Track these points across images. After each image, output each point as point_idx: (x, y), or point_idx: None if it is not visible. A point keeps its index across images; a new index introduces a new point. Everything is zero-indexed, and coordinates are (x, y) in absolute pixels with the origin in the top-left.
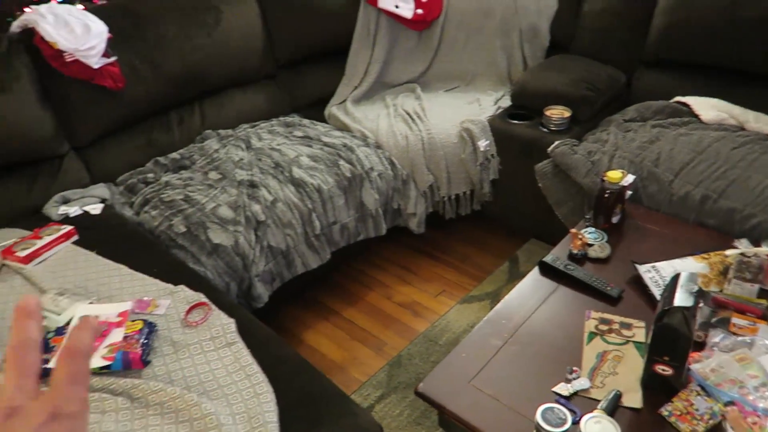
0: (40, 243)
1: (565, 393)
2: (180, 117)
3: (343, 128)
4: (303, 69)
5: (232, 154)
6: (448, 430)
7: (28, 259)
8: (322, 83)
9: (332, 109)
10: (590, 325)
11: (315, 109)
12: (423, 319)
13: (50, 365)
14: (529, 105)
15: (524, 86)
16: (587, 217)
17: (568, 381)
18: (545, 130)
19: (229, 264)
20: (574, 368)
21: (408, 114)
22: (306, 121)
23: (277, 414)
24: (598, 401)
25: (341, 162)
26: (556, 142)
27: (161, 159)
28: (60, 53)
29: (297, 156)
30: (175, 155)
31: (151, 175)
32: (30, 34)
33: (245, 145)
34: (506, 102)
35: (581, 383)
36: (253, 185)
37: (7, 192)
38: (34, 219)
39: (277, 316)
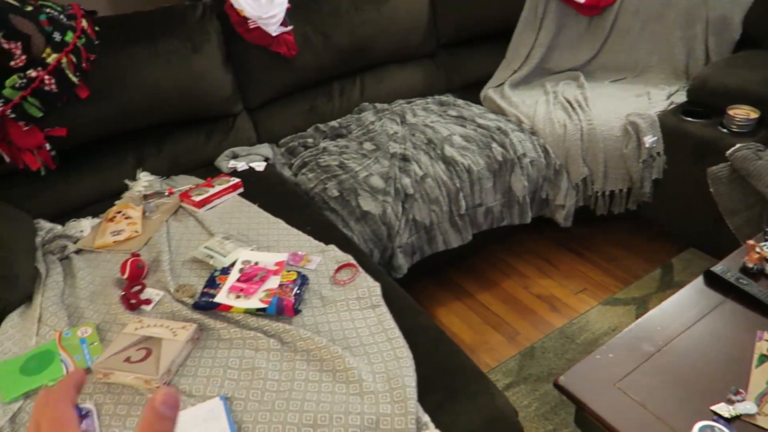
0: (211, 191)
1: (726, 414)
2: (341, 87)
3: (498, 111)
4: (463, 50)
5: (387, 128)
6: (584, 430)
7: (201, 204)
8: (480, 65)
9: (488, 91)
10: (762, 347)
11: (470, 90)
12: (560, 315)
13: (216, 299)
14: (709, 103)
15: (705, 81)
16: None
17: (731, 402)
18: (725, 131)
19: (375, 232)
20: (740, 390)
21: (569, 102)
22: (460, 102)
23: (415, 379)
24: (765, 430)
25: (494, 145)
26: (738, 145)
27: (321, 126)
28: (245, 20)
29: (450, 135)
30: (334, 123)
31: (310, 140)
32: (221, 1)
33: (400, 120)
34: (681, 98)
35: (746, 407)
36: (405, 159)
37: (188, 143)
38: (206, 169)
39: (412, 289)
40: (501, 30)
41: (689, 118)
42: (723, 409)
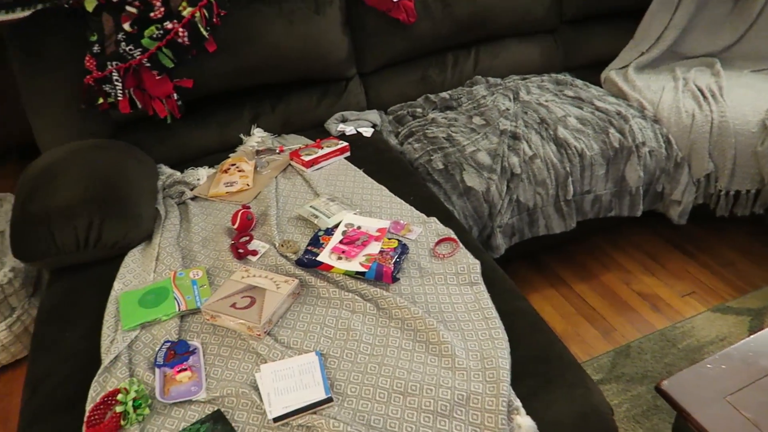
0: (320, 152)
1: None
2: (455, 59)
3: (619, 95)
4: (586, 27)
5: (499, 103)
6: None
7: (309, 164)
8: (604, 44)
9: (611, 73)
10: None
11: (589, 70)
12: (662, 316)
13: (319, 258)
14: None
15: None
16: None
17: None
18: None
19: (476, 208)
20: None
21: (700, 90)
22: (579, 82)
23: (509, 362)
24: None
25: (611, 130)
26: None
27: (431, 96)
28: None
29: (564, 116)
30: (444, 95)
31: (419, 109)
32: None
33: (513, 96)
34: None
35: None
36: (515, 137)
37: (301, 104)
38: (316, 131)
39: (505, 270)
40: (632, 7)
41: None
42: None
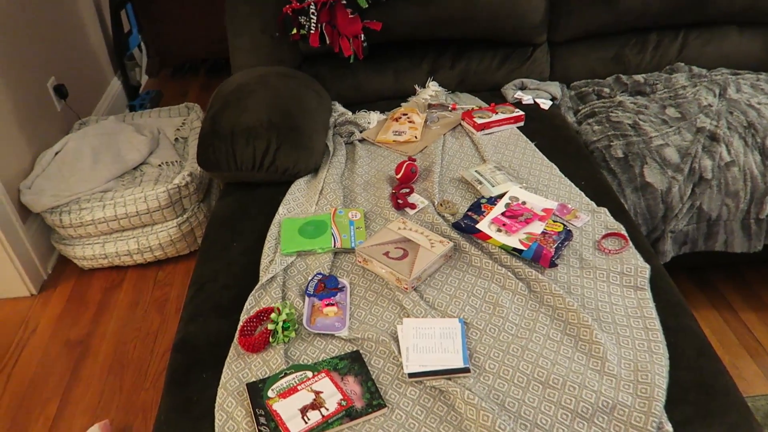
0: (494, 117)
1: None
2: (658, 40)
3: None
4: None
5: (701, 97)
6: None
7: (480, 127)
8: None
9: None
10: None
11: None
12: None
13: (478, 226)
14: None
15: None
16: None
17: None
18: None
19: (650, 207)
20: None
21: None
22: None
23: (667, 381)
24: None
25: None
26: None
27: (623, 77)
28: None
29: None
30: (638, 77)
31: (607, 89)
32: None
33: (719, 92)
34: None
35: None
36: (713, 138)
37: (481, 64)
38: (491, 94)
39: None
40: None
41: None
42: None
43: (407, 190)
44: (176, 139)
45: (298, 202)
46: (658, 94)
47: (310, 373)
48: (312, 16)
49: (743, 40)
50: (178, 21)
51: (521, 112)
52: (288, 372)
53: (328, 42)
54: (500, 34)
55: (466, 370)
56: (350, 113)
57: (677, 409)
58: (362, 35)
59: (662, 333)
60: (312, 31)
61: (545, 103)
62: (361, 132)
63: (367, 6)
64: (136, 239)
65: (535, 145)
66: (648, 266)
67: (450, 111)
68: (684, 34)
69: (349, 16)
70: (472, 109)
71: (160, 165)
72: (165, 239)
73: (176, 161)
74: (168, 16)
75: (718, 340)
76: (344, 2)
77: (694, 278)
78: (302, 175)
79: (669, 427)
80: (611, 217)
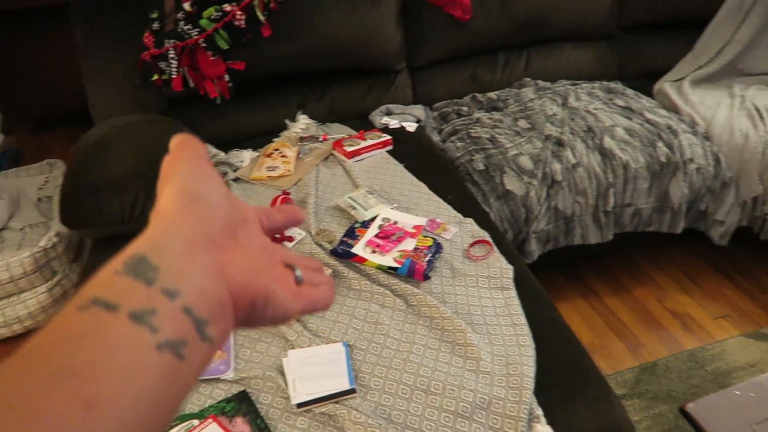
0: (363, 143)
1: None
2: (507, 59)
3: (672, 108)
4: (644, 36)
5: (546, 108)
6: None
7: (351, 154)
8: (660, 55)
9: (665, 85)
10: None
11: (643, 81)
12: (693, 336)
13: (353, 250)
14: None
15: None
16: None
17: None
18: None
19: (513, 212)
20: None
21: (757, 110)
22: (630, 92)
23: (535, 370)
24: None
25: (659, 144)
26: None
27: (478, 95)
28: None
29: (612, 125)
30: (491, 95)
31: (465, 108)
32: None
33: (561, 102)
34: None
35: None
36: (559, 143)
37: (348, 94)
38: (360, 122)
39: (537, 277)
40: (693, 18)
41: None
42: None
43: None
44: (39, 199)
45: None
46: (510, 109)
47: (196, 421)
48: (172, 61)
49: (577, 53)
50: (32, 73)
51: (389, 137)
52: (174, 423)
53: (192, 85)
54: (363, 64)
55: (352, 391)
56: (222, 153)
57: (546, 393)
58: (227, 75)
59: (528, 326)
60: (174, 76)
61: (411, 126)
62: (234, 171)
63: (228, 47)
64: (2, 311)
65: (404, 166)
66: (511, 267)
67: (321, 142)
68: (527, 52)
69: (211, 59)
70: (343, 138)
71: (22, 228)
72: (35, 307)
73: (41, 222)
74: (20, 69)
75: (588, 325)
76: (204, 45)
77: (564, 272)
78: None
79: (539, 411)
80: (477, 227)
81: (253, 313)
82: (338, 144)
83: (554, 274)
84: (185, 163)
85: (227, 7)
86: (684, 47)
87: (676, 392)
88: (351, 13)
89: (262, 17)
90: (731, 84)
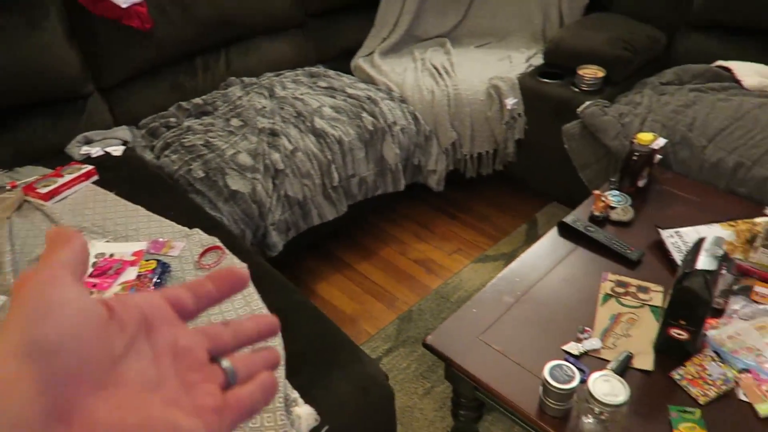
0: (60, 181)
1: (575, 352)
2: (205, 63)
3: (369, 81)
4: (332, 19)
5: (255, 102)
6: (454, 384)
7: (48, 196)
8: (351, 34)
9: (359, 60)
10: (606, 287)
11: (342, 60)
12: (436, 276)
13: None
14: (563, 64)
15: (558, 44)
16: (612, 179)
17: (579, 341)
18: (577, 90)
19: (245, 211)
20: (586, 328)
21: (435, 69)
22: (331, 72)
23: (283, 358)
24: (609, 362)
25: (364, 114)
26: (587, 103)
27: (184, 104)
28: None
29: (320, 106)
30: (198, 101)
31: (173, 119)
32: None
33: (268, 94)
34: (538, 60)
35: (592, 343)
36: (273, 134)
37: (32, 130)
38: (57, 158)
39: (292, 267)
40: None
41: (546, 80)
42: (572, 347)
43: None
44: None
45: None
46: (221, 110)
47: None
48: None
49: (274, 46)
50: None
51: (91, 167)
52: None
53: None
54: (39, 94)
55: None
56: None
57: (301, 375)
58: None
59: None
60: None
61: (117, 150)
62: None
63: None
64: None
65: (115, 194)
66: (245, 265)
67: (9, 190)
68: (225, 52)
69: None
70: (35, 180)
71: None
72: None
73: None
74: None
75: (348, 296)
76: None
77: (317, 253)
78: None
79: (295, 394)
80: (205, 235)
81: None
82: (30, 188)
83: (309, 257)
84: (44, 273)
85: None
86: (369, 24)
87: (432, 329)
88: (5, 42)
89: None
90: (412, 50)
